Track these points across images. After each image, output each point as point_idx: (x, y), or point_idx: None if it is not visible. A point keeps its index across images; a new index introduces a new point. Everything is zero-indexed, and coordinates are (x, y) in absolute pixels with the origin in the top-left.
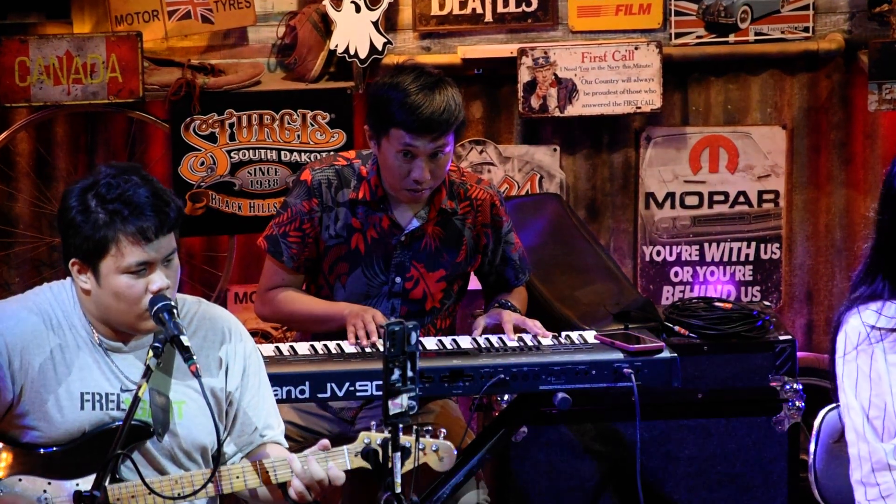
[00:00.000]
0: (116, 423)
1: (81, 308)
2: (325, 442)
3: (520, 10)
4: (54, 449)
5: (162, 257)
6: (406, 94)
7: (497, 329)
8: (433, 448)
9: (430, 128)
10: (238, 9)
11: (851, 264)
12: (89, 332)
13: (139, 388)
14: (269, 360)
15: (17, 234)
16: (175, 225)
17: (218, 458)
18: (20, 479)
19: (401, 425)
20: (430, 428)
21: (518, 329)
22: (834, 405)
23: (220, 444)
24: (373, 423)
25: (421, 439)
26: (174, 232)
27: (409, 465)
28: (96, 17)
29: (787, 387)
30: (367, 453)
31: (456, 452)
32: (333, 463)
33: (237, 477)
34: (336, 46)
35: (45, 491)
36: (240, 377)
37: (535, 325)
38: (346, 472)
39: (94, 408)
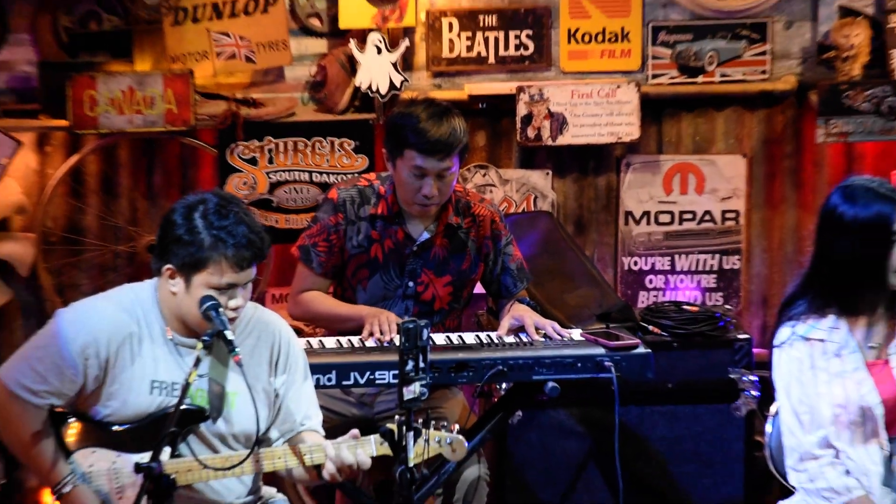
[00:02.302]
0: (175, 406)
1: (158, 307)
2: (356, 431)
3: (518, 53)
4: (124, 427)
5: (245, 282)
6: (418, 121)
7: (521, 329)
8: (447, 441)
9: (438, 149)
10: (276, 50)
11: (802, 270)
12: (163, 329)
13: (189, 374)
14: None
15: (87, 242)
16: (264, 257)
17: (257, 440)
18: (94, 451)
19: (410, 412)
20: (445, 423)
21: (538, 330)
22: None
23: (258, 426)
24: (396, 416)
25: (437, 433)
26: (260, 263)
27: (423, 454)
28: (155, 57)
29: (745, 378)
30: (385, 433)
31: (468, 445)
32: (362, 450)
33: (279, 458)
34: (360, 83)
35: (114, 462)
36: (286, 374)
37: (553, 326)
38: (372, 457)
39: (160, 394)
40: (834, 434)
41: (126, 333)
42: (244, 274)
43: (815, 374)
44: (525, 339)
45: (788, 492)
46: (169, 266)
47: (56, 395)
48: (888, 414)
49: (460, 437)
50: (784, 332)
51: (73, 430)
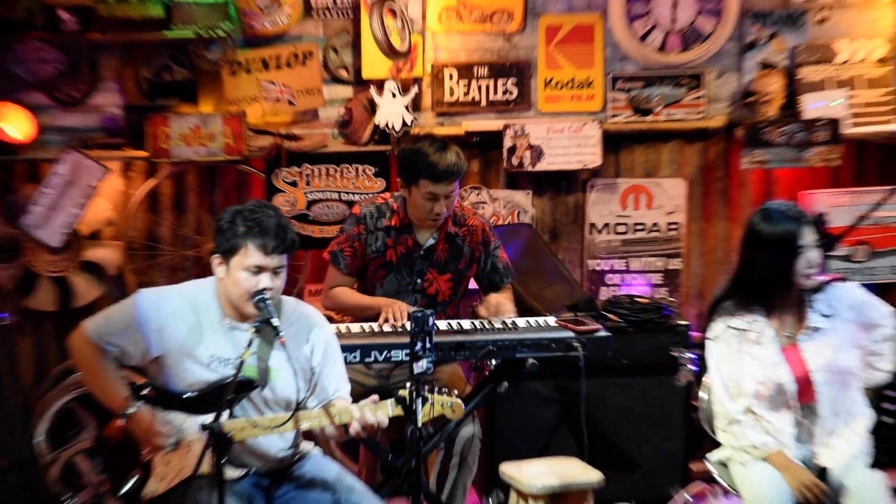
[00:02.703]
0: (233, 377)
1: (217, 297)
2: (375, 397)
3: (505, 97)
4: (191, 394)
5: (273, 267)
6: (427, 156)
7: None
8: (448, 405)
9: (446, 177)
10: (312, 95)
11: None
12: (220, 315)
13: (244, 353)
14: None
15: (162, 248)
16: (288, 249)
17: (297, 406)
18: (167, 414)
19: (419, 382)
20: (446, 390)
21: (486, 309)
22: None
23: (298, 395)
24: (401, 379)
25: (440, 397)
26: (287, 255)
27: (430, 413)
28: (215, 101)
29: (684, 356)
30: (399, 399)
31: (465, 407)
32: (381, 412)
33: (314, 419)
34: (379, 122)
35: (184, 422)
36: (321, 356)
37: (499, 309)
38: (389, 418)
39: (218, 367)
40: (755, 403)
41: (188, 322)
42: (270, 259)
43: (741, 357)
44: (510, 324)
45: (718, 444)
46: (216, 255)
47: (120, 350)
48: (799, 388)
49: (458, 400)
50: (716, 326)
51: (151, 398)
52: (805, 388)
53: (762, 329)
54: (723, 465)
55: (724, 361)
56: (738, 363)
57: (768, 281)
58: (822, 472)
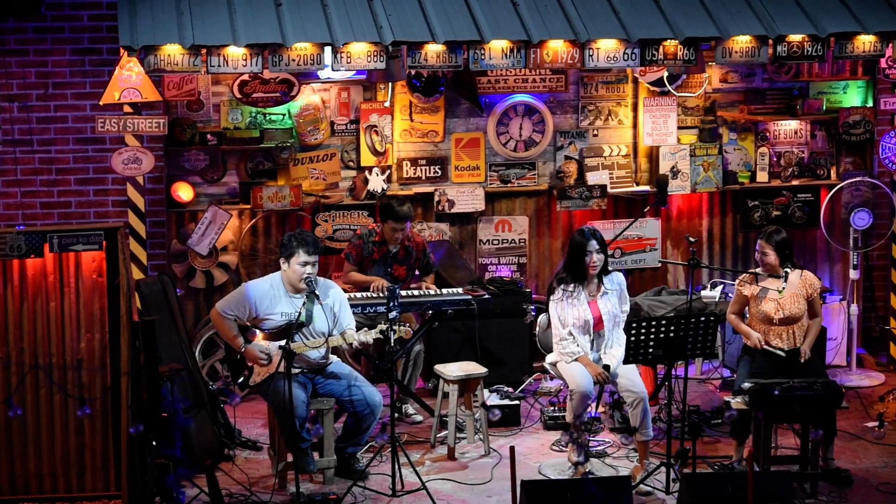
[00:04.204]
0: (294, 321)
1: (283, 281)
2: (365, 329)
3: (434, 175)
4: (273, 330)
5: (312, 262)
6: (392, 207)
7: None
8: (403, 332)
9: (402, 219)
10: (335, 175)
11: (553, 268)
12: (286, 291)
13: (300, 308)
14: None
15: (259, 255)
16: (319, 252)
17: (329, 334)
18: (262, 341)
19: (392, 322)
20: (405, 324)
21: (425, 286)
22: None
23: (328, 329)
24: (382, 320)
25: (401, 328)
26: (318, 255)
27: (395, 337)
28: (286, 178)
29: (529, 307)
30: (381, 330)
31: (414, 335)
32: (370, 336)
33: (336, 340)
34: (370, 188)
35: (269, 345)
36: (339, 307)
37: (430, 286)
38: (374, 340)
39: (285, 317)
40: (573, 330)
41: (270, 295)
42: (310, 257)
43: (568, 306)
44: (438, 292)
45: (545, 355)
46: (282, 257)
47: (237, 316)
48: (594, 323)
49: (411, 330)
50: (557, 290)
51: (252, 334)
52: (598, 323)
53: (578, 292)
54: (553, 364)
55: (559, 308)
56: (566, 309)
57: (576, 268)
58: (606, 367)
